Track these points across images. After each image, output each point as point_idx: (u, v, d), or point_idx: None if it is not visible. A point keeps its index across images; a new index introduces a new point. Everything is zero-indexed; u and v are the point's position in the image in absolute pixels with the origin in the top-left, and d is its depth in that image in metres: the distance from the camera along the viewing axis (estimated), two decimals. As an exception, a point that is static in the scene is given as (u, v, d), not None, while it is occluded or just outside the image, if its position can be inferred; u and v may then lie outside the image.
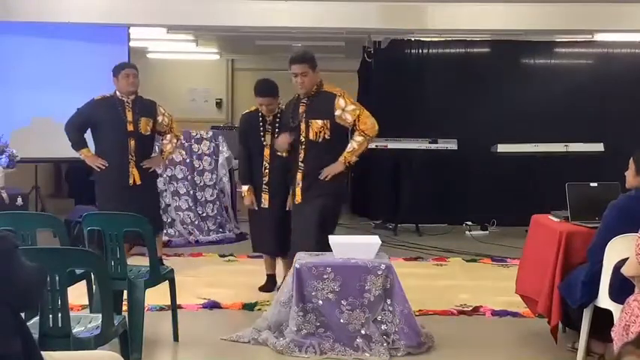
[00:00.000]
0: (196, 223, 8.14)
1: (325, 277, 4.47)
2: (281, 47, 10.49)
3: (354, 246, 4.68)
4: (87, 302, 4.57)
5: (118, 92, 6.15)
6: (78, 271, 4.25)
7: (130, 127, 6.11)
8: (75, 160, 6.68)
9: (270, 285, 5.94)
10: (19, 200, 7.21)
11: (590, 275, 4.06)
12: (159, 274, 4.53)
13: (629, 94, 9.03)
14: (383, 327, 4.47)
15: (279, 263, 5.92)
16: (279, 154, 5.56)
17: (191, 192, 8.24)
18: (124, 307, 4.61)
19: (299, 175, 5.29)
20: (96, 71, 7.33)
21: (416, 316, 4.70)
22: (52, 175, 11.31)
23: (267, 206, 5.74)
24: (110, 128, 6.11)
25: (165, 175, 8.04)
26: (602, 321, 3.95)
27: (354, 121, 5.19)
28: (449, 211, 9.11)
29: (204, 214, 8.28)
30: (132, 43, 8.74)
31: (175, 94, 12.39)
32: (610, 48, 9.33)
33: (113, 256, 4.41)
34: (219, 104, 13.50)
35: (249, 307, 5.47)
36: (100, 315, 3.39)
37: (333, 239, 4.75)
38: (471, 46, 9.47)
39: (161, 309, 5.23)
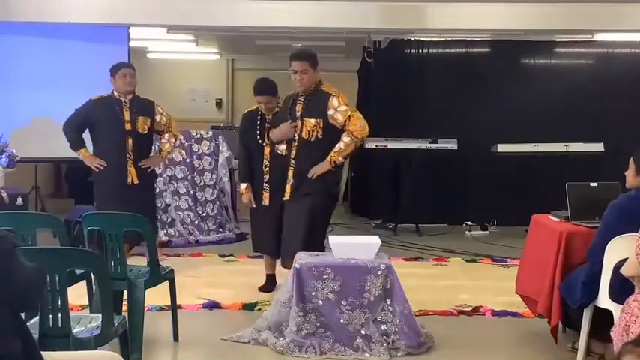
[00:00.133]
0: (196, 223, 8.14)
1: (325, 277, 4.47)
2: (281, 47, 10.48)
3: (354, 246, 4.68)
4: (87, 302, 4.57)
5: (115, 92, 6.16)
6: (78, 271, 4.25)
7: (128, 127, 6.11)
8: (75, 160, 6.68)
9: (269, 285, 5.93)
10: (19, 200, 7.22)
11: (590, 275, 4.06)
12: (159, 274, 4.53)
13: (629, 94, 9.03)
14: (383, 327, 4.47)
15: (279, 263, 5.92)
16: (278, 152, 5.57)
17: (191, 192, 8.24)
18: (124, 307, 4.61)
19: (290, 173, 5.32)
20: (96, 71, 7.33)
21: (416, 316, 4.70)
22: (52, 175, 11.31)
23: (267, 204, 5.74)
24: (108, 128, 6.11)
25: (165, 175, 8.04)
26: (602, 321, 3.95)
27: (345, 121, 5.17)
28: (449, 211, 9.11)
29: (204, 214, 8.28)
30: (132, 43, 8.74)
31: (175, 94, 12.39)
32: (610, 48, 9.33)
33: (113, 256, 4.41)
34: (219, 104, 13.50)
35: (249, 307, 5.47)
36: (100, 315, 3.39)
37: (333, 239, 4.75)
38: (470, 46, 9.47)
39: (161, 309, 5.23)
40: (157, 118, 6.31)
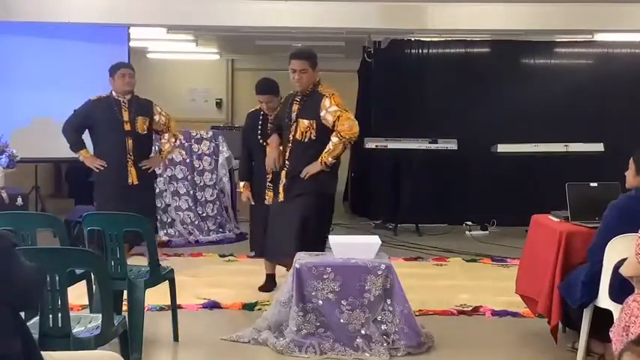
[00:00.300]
0: (196, 223, 8.14)
1: (325, 277, 4.47)
2: (281, 47, 10.47)
3: (354, 246, 4.68)
4: (87, 302, 4.57)
5: (114, 92, 6.16)
6: (78, 271, 4.25)
7: (127, 127, 6.12)
8: (75, 160, 6.68)
9: (269, 285, 5.93)
10: (19, 200, 7.22)
11: (590, 275, 4.06)
12: (159, 274, 4.53)
13: (629, 94, 9.03)
14: (383, 327, 4.47)
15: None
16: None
17: (191, 192, 8.24)
18: (124, 307, 4.61)
19: (283, 173, 5.32)
20: (96, 71, 7.32)
21: (416, 316, 4.70)
22: (52, 175, 11.31)
23: (270, 203, 5.75)
24: (107, 128, 6.11)
25: (165, 175, 8.03)
26: (602, 321, 3.94)
27: (334, 122, 5.16)
28: (449, 211, 9.11)
29: (204, 214, 8.28)
30: (132, 43, 8.74)
31: (175, 94, 12.39)
32: (610, 48, 9.33)
33: (113, 256, 4.40)
34: (219, 104, 13.49)
35: (249, 307, 5.47)
36: (100, 315, 3.39)
37: (333, 239, 4.75)
38: (471, 46, 9.47)
39: (161, 309, 5.23)
40: (156, 117, 6.31)
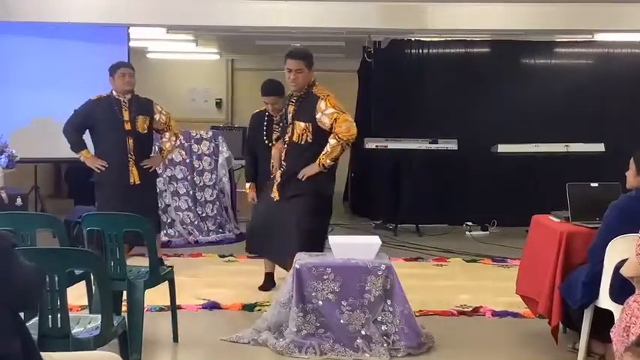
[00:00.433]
0: (196, 223, 8.13)
1: (325, 277, 4.47)
2: (281, 47, 10.41)
3: (354, 246, 4.67)
4: (86, 303, 4.56)
5: (114, 92, 6.16)
6: (77, 272, 4.24)
7: (128, 126, 6.11)
8: (75, 161, 6.68)
9: (268, 284, 5.93)
10: (19, 200, 7.20)
11: (590, 276, 4.05)
12: (158, 274, 4.52)
13: (630, 94, 9.02)
14: (383, 327, 4.46)
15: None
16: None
17: (191, 192, 8.23)
18: (124, 308, 4.60)
19: (277, 174, 5.32)
20: (96, 71, 7.32)
21: (416, 316, 4.70)
22: (52, 175, 11.30)
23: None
24: (108, 128, 6.11)
25: (165, 176, 8.02)
26: (603, 321, 3.94)
27: (332, 124, 5.15)
28: (449, 211, 9.10)
29: (203, 215, 8.27)
30: (131, 43, 8.73)
31: (175, 94, 12.36)
32: (610, 48, 9.32)
33: (113, 257, 4.39)
34: (219, 104, 13.47)
35: (249, 307, 5.46)
36: (100, 316, 3.38)
37: (333, 239, 4.75)
38: (471, 46, 9.45)
39: (161, 309, 5.22)
40: (157, 116, 6.31)
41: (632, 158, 4.06)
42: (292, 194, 5.25)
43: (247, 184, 6.07)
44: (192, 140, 8.32)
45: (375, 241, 4.72)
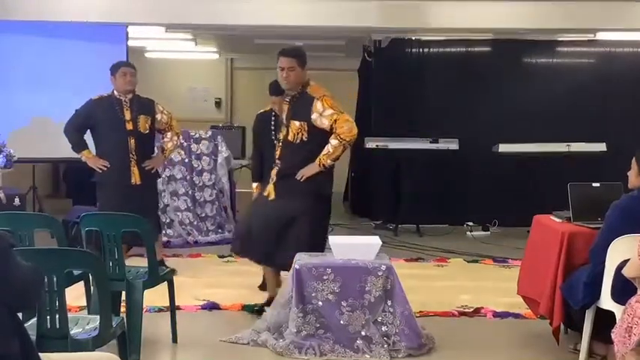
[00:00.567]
0: (195, 223, 8.11)
1: (325, 278, 4.45)
2: (280, 46, 10.43)
3: (354, 247, 4.65)
4: (85, 303, 4.55)
5: (115, 91, 6.13)
6: (76, 272, 4.22)
7: (129, 126, 6.09)
8: (73, 160, 6.66)
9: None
10: (17, 200, 7.19)
11: (592, 276, 4.04)
12: (157, 275, 4.51)
13: (632, 93, 9.01)
14: (383, 328, 4.44)
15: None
16: None
17: (190, 192, 8.21)
18: (123, 309, 4.58)
19: (273, 172, 5.30)
20: (94, 70, 7.32)
21: (416, 317, 4.68)
22: (50, 175, 11.29)
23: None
24: (109, 128, 6.09)
25: (164, 176, 7.98)
26: (605, 322, 3.92)
27: (332, 125, 5.11)
28: (450, 211, 9.09)
29: (202, 215, 8.25)
30: (130, 42, 8.72)
31: (174, 93, 12.34)
32: (612, 47, 9.30)
33: (111, 257, 4.38)
34: (218, 104, 13.46)
35: (248, 308, 5.43)
36: (98, 316, 3.37)
37: (333, 240, 4.73)
38: (472, 45, 9.44)
39: (160, 310, 5.20)
40: (158, 116, 6.29)
41: (633, 158, 4.05)
42: (289, 194, 5.20)
43: (254, 184, 6.05)
44: (192, 140, 8.30)
45: (375, 241, 4.70)
